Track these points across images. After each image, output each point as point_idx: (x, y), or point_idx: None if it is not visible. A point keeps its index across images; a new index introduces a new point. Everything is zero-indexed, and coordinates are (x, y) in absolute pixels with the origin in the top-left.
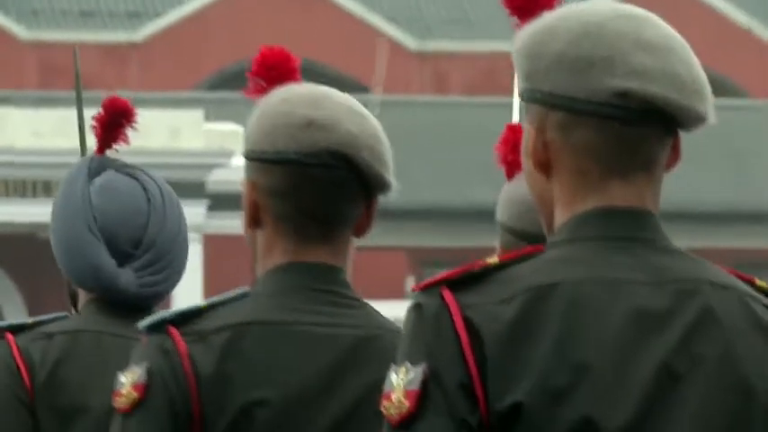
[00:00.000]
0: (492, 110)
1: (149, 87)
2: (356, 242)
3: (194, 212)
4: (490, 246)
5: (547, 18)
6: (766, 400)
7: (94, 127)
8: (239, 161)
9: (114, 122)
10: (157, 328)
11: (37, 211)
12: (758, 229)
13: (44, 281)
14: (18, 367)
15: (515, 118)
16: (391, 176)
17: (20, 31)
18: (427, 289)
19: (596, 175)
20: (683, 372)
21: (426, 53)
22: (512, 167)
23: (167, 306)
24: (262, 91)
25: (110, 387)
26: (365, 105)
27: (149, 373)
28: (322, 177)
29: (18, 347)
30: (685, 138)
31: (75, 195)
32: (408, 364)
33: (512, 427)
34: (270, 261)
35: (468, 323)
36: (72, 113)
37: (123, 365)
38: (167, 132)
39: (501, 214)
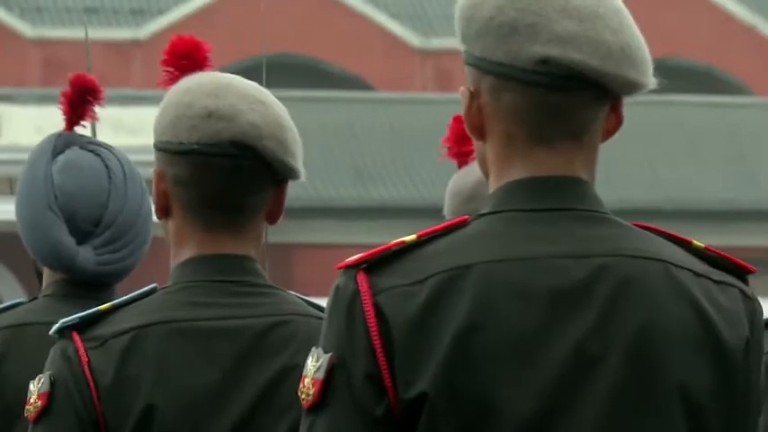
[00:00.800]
0: None
1: (153, 85)
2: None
3: None
4: None
5: None
6: (680, 376)
7: (62, 103)
8: None
9: (80, 99)
10: (62, 333)
11: None
12: (764, 226)
13: None
14: None
15: None
16: (299, 163)
17: (24, 28)
18: (347, 269)
19: (523, 141)
20: (597, 353)
21: (429, 50)
22: (461, 158)
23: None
24: (174, 81)
25: None
26: (370, 103)
27: (52, 381)
28: (225, 167)
29: None
30: (686, 136)
31: (38, 173)
32: (320, 351)
33: (417, 417)
34: (180, 253)
35: (378, 310)
36: None
37: None
38: None
39: (445, 208)
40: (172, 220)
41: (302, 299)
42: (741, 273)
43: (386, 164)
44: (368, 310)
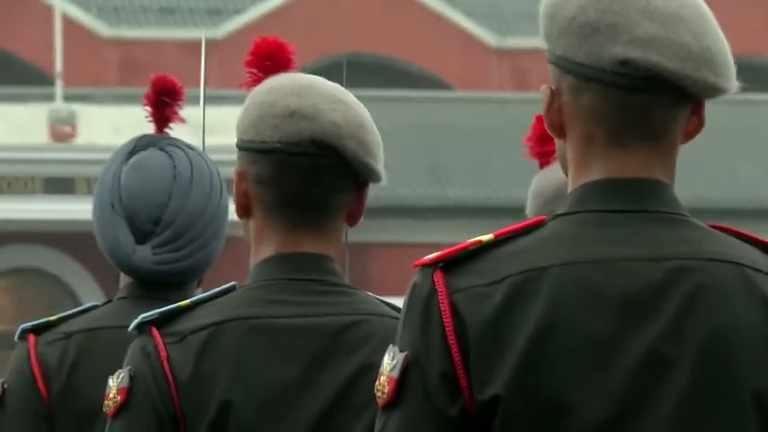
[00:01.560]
0: None
1: (229, 84)
2: (441, 239)
3: None
4: None
5: None
6: (754, 380)
7: (146, 106)
8: None
9: (160, 101)
10: (142, 328)
11: None
12: None
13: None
14: (34, 376)
15: None
16: (379, 164)
17: (101, 28)
18: (424, 268)
19: (601, 142)
20: (671, 357)
21: (506, 49)
22: (543, 158)
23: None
24: (257, 82)
25: None
26: (447, 102)
27: (132, 376)
28: (306, 166)
29: (36, 353)
30: (766, 135)
31: (109, 173)
32: (396, 349)
33: (492, 418)
34: (260, 251)
35: (454, 309)
36: None
37: None
38: None
39: (527, 207)
40: (252, 220)
41: (378, 299)
42: None
43: (462, 163)
44: (444, 310)
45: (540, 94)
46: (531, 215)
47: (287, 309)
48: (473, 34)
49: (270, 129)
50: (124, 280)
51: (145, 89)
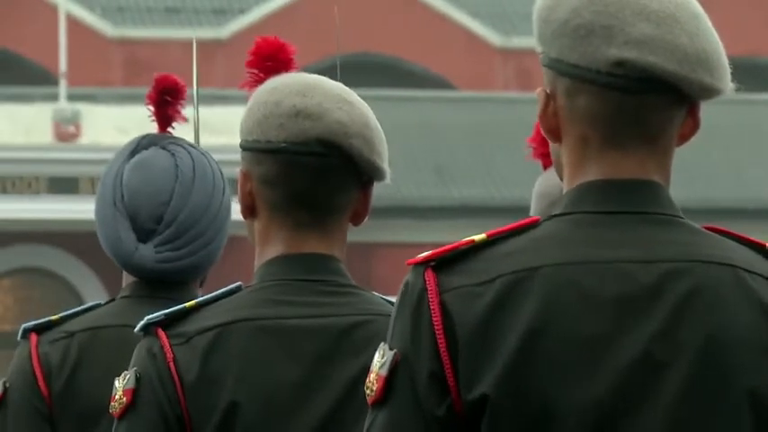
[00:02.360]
0: None
1: (234, 84)
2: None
3: None
4: None
5: None
6: (750, 383)
7: (148, 105)
8: None
9: (162, 100)
10: (148, 330)
11: None
12: None
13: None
14: (35, 375)
15: None
16: (385, 163)
17: (105, 27)
18: (416, 266)
19: (597, 144)
20: (664, 359)
21: (510, 49)
22: (546, 159)
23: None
24: (259, 82)
25: None
26: (451, 102)
27: (138, 378)
28: (312, 166)
29: (38, 352)
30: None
31: (111, 172)
32: (386, 347)
33: (480, 418)
34: (265, 251)
35: (444, 309)
36: None
37: None
38: None
39: (532, 208)
40: (258, 220)
41: (383, 298)
42: None
43: (467, 163)
44: (434, 309)
45: None
46: (535, 216)
47: (293, 309)
48: (478, 34)
49: (275, 128)
50: (127, 279)
51: (149, 89)
